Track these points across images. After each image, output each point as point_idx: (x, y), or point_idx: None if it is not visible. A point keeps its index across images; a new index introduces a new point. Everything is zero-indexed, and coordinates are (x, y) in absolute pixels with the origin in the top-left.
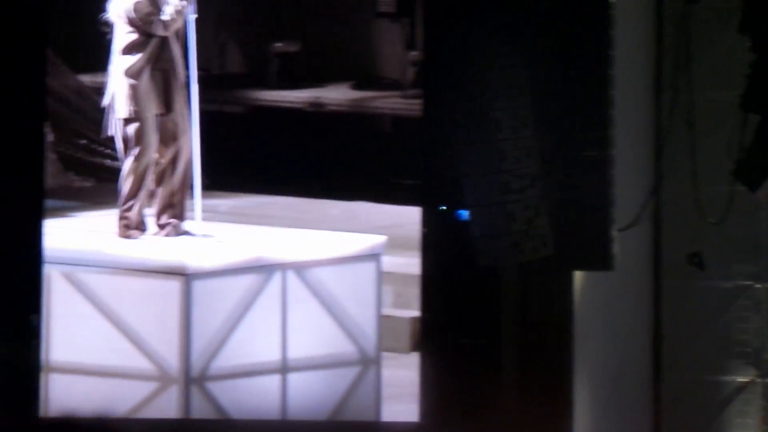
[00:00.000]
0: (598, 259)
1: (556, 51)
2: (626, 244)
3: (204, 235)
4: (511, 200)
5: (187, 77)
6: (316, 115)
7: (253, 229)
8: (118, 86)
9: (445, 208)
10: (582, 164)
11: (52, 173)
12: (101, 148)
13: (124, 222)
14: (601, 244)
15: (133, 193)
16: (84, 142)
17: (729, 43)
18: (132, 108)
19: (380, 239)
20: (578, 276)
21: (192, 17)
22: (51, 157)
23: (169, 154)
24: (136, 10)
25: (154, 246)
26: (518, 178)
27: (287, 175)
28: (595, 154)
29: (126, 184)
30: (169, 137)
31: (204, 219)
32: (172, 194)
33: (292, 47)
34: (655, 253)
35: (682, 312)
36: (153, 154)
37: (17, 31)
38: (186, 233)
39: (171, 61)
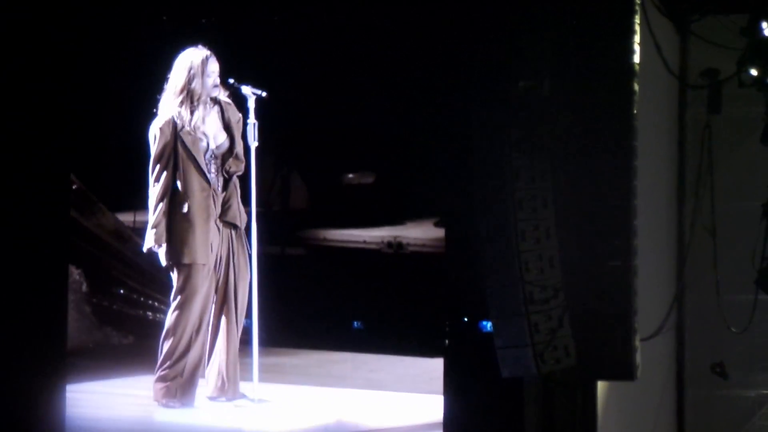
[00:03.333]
0: (621, 368)
1: (578, 162)
2: (649, 353)
3: (261, 400)
4: (535, 311)
5: (248, 215)
6: (393, 258)
7: (319, 392)
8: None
9: (467, 319)
10: (605, 274)
11: (86, 328)
12: (143, 299)
13: (163, 386)
14: (624, 354)
15: (176, 351)
16: (123, 292)
17: (751, 152)
18: (171, 253)
19: None
20: (601, 386)
21: (253, 145)
22: (85, 309)
23: (221, 305)
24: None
25: (205, 413)
26: (541, 289)
27: (359, 328)
28: (618, 263)
29: (167, 340)
30: (222, 285)
31: (263, 380)
32: (224, 352)
33: (366, 179)
34: (678, 363)
35: (705, 422)
36: (201, 304)
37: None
38: (242, 397)
39: (211, 197)
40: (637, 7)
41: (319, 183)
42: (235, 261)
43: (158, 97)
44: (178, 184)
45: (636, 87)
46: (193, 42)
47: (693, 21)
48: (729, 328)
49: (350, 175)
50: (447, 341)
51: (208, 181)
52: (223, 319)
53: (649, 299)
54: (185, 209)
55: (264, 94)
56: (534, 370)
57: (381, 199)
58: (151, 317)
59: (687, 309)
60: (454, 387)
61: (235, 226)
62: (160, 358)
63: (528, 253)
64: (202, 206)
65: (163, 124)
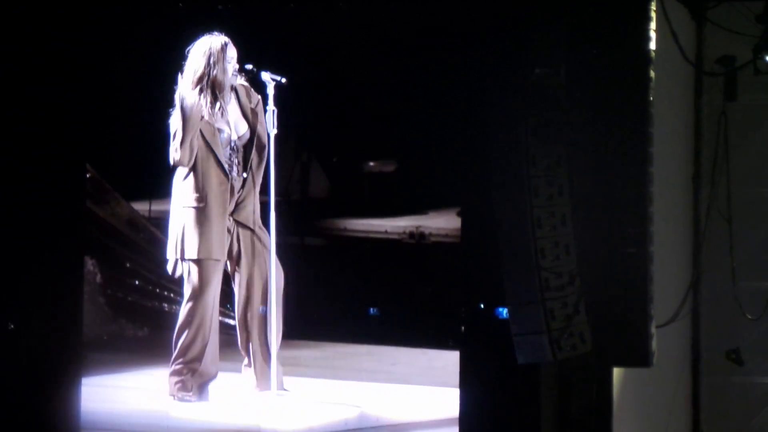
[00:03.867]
0: (637, 355)
1: (594, 148)
2: (665, 340)
3: (281, 393)
4: (551, 297)
5: (267, 203)
6: (416, 248)
7: (340, 385)
8: (173, 217)
9: (483, 306)
10: (621, 261)
11: (101, 320)
12: (158, 290)
13: (178, 380)
14: (640, 340)
15: (190, 346)
16: (138, 283)
17: (767, 139)
18: (186, 248)
19: None
20: (617, 373)
21: (272, 132)
22: (99, 300)
23: (238, 298)
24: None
25: (221, 406)
26: (557, 276)
27: (381, 320)
28: (633, 250)
29: (181, 335)
30: (240, 281)
31: (283, 373)
32: (243, 345)
33: (388, 167)
34: (693, 350)
35: (720, 409)
36: (214, 299)
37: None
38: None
39: (228, 191)
40: None
41: (340, 171)
42: (249, 257)
43: (174, 87)
44: (197, 176)
45: (652, 74)
46: (208, 29)
47: (709, 8)
48: (745, 315)
49: (371, 163)
50: (463, 328)
51: (226, 174)
52: (241, 310)
53: (664, 286)
54: (202, 203)
55: (283, 80)
56: (550, 357)
57: (403, 187)
58: (166, 308)
59: (703, 296)
60: (469, 373)
61: (246, 227)
62: (175, 353)
63: (544, 239)
64: (219, 200)
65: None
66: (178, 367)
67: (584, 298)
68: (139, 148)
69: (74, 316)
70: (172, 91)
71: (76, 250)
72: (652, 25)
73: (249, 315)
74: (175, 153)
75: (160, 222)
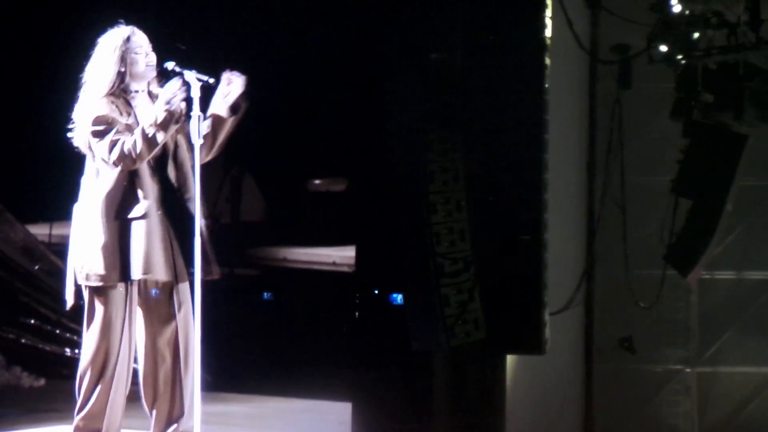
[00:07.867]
0: (531, 343)
1: (490, 135)
2: (558, 328)
3: None
4: (445, 284)
5: (191, 229)
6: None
7: None
8: (77, 239)
9: (377, 292)
10: (515, 248)
11: None
12: (58, 331)
13: None
14: (534, 328)
15: (93, 394)
16: (34, 322)
17: (661, 128)
18: (95, 272)
19: None
20: (510, 360)
21: (197, 142)
22: None
23: (154, 339)
24: (95, 131)
25: None
26: (452, 262)
27: (323, 371)
28: (528, 237)
29: (84, 381)
30: (156, 314)
31: (208, 431)
32: (157, 395)
33: (336, 186)
34: (586, 337)
35: (613, 396)
36: (126, 337)
37: None
38: None
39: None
40: None
41: (278, 190)
42: (174, 283)
43: (77, 94)
44: (137, 181)
45: (548, 61)
46: (110, 22)
47: None
48: (637, 303)
49: (317, 182)
50: (357, 314)
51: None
52: (157, 353)
53: (558, 273)
54: (143, 213)
55: (211, 80)
56: (444, 344)
57: (354, 210)
58: (68, 354)
59: (596, 283)
60: (363, 359)
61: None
62: (77, 405)
63: (439, 225)
64: (157, 212)
65: (102, 110)
66: (80, 422)
67: (479, 284)
68: (38, 162)
69: None
70: (73, 98)
71: None
72: (548, 12)
73: (159, 361)
74: (133, 147)
75: (62, 249)
